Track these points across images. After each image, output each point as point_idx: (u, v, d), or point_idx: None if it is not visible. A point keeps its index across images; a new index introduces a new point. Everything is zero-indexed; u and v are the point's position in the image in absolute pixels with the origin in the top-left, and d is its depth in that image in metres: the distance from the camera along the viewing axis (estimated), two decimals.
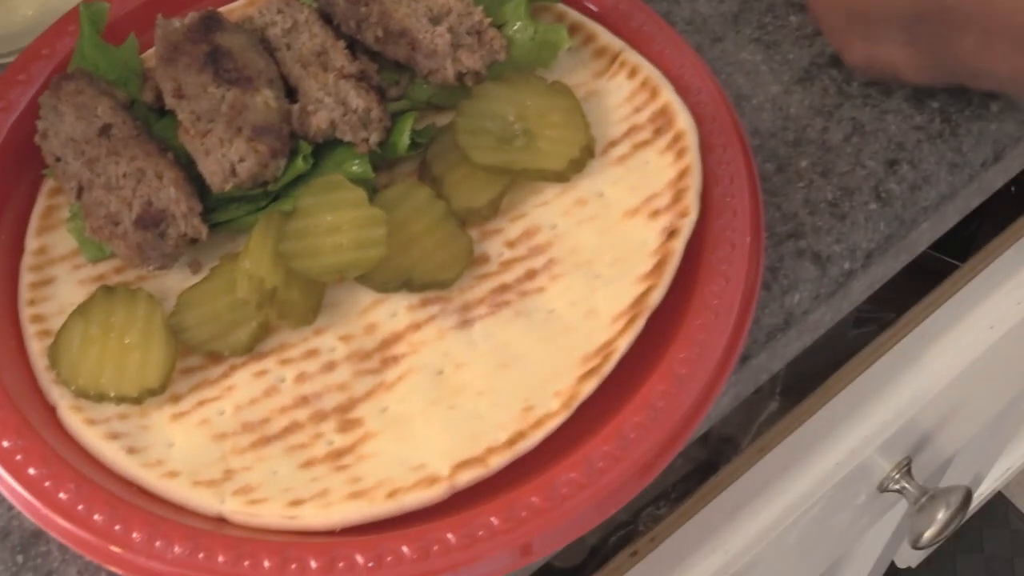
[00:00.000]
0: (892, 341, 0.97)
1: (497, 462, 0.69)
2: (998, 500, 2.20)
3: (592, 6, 0.87)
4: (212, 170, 0.76)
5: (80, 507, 0.68)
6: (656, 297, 0.74)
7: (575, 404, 0.71)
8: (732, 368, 0.73)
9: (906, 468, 1.10)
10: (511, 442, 0.70)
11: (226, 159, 0.75)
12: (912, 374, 0.97)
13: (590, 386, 0.71)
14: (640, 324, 0.73)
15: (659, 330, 0.74)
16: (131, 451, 0.71)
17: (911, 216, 0.84)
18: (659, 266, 0.75)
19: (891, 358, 0.97)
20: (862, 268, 0.82)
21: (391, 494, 0.69)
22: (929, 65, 0.82)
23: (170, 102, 0.79)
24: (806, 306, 0.80)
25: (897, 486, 1.11)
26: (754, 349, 0.79)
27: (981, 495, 1.97)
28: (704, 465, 1.09)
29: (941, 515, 1.10)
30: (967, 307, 1.01)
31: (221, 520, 0.69)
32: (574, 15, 0.86)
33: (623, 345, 0.72)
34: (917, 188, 0.84)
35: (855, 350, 1.02)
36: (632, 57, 0.83)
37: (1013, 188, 1.05)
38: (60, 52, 0.85)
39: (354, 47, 0.82)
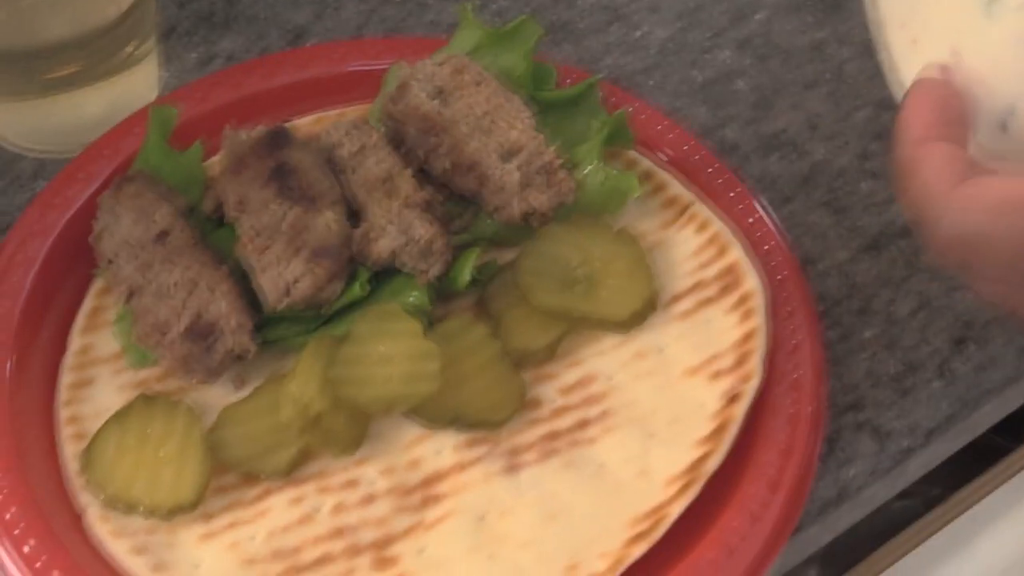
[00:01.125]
0: (942, 521, 0.95)
1: None
2: None
3: (664, 155, 0.86)
4: (267, 287, 0.75)
5: None
6: (713, 464, 0.72)
7: (620, 568, 0.69)
8: (785, 542, 0.71)
9: None
10: None
11: (282, 278, 0.74)
12: (963, 559, 0.94)
13: (638, 550, 0.69)
14: (695, 490, 0.71)
15: (710, 494, 0.72)
16: (157, 568, 0.69)
17: (974, 397, 0.82)
18: (718, 431, 0.73)
19: (940, 539, 0.95)
20: (921, 447, 0.80)
21: None
22: None
23: (231, 214, 0.78)
24: (861, 481, 0.78)
25: None
26: (806, 520, 0.76)
27: None
28: None
29: None
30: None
31: None
32: (646, 163, 0.85)
33: (675, 512, 0.70)
34: (982, 369, 0.83)
35: (897, 521, 0.99)
36: (702, 211, 0.82)
37: None
38: (123, 152, 0.85)
39: (421, 176, 0.81)
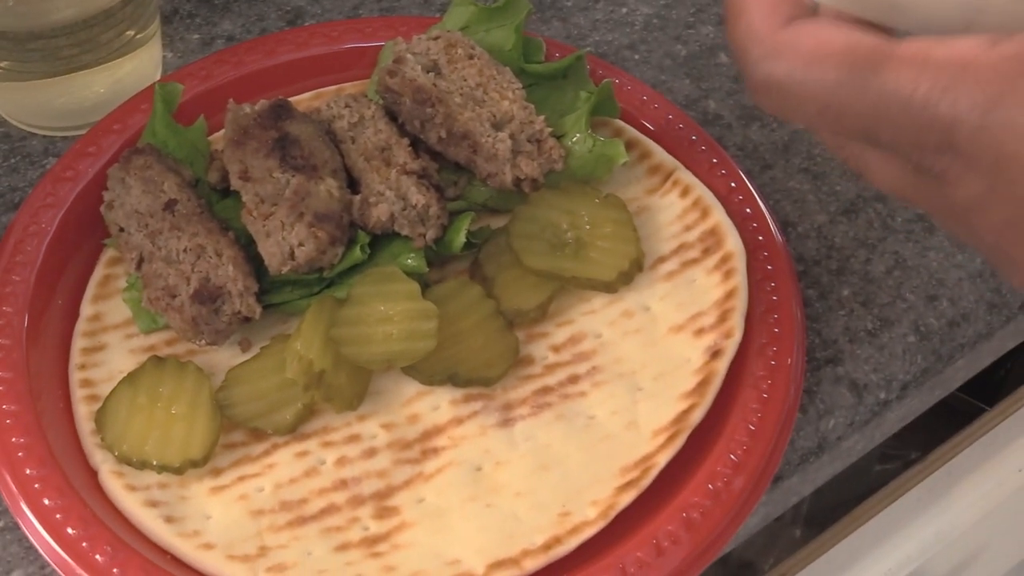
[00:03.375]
0: (919, 477, 0.98)
1: (532, 565, 0.70)
2: None
3: (649, 124, 0.89)
4: (271, 252, 0.77)
5: (115, 570, 0.68)
6: (698, 416, 0.75)
7: (612, 514, 0.72)
8: (767, 486, 0.74)
9: None
10: (547, 547, 0.71)
11: (286, 242, 0.77)
12: (937, 511, 0.98)
13: (627, 498, 0.72)
14: (680, 441, 0.74)
15: (696, 442, 0.75)
16: (169, 520, 0.72)
17: (948, 352, 0.85)
18: (702, 385, 0.76)
19: (917, 493, 0.98)
20: (897, 399, 0.83)
21: None
22: None
23: (236, 183, 0.81)
24: (840, 432, 0.81)
25: None
26: (787, 471, 0.80)
27: None
28: None
29: None
30: (995, 449, 1.02)
31: None
32: (631, 131, 0.88)
33: (662, 460, 0.74)
34: (955, 325, 0.86)
35: (880, 485, 1.03)
36: (685, 176, 0.85)
37: None
38: (131, 128, 0.88)
39: (416, 145, 0.84)
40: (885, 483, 1.03)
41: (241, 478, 0.74)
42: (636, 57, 1.01)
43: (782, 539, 1.07)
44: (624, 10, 1.05)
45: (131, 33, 0.92)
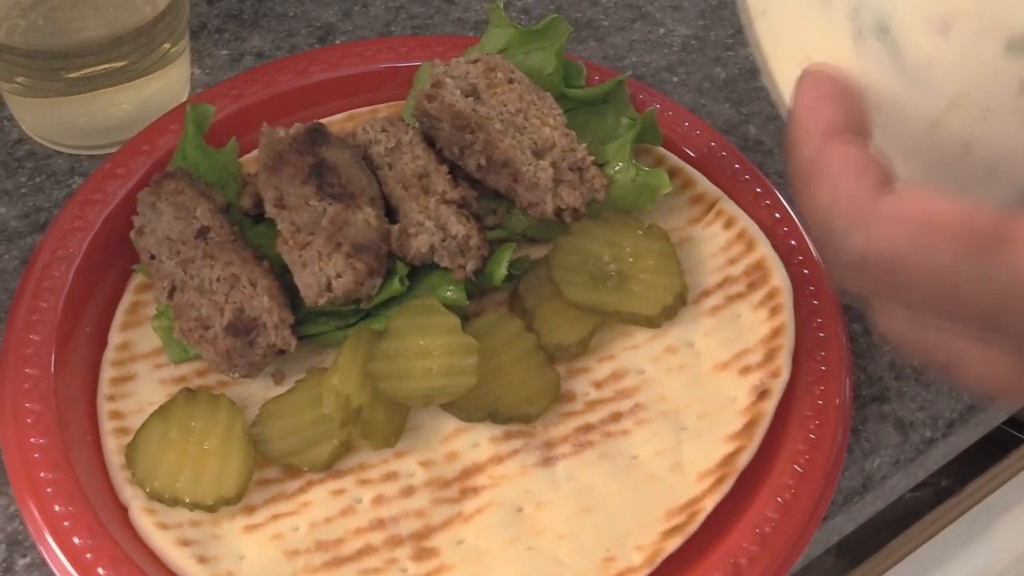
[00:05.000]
0: (958, 510, 0.96)
1: None
2: None
3: (691, 152, 0.87)
4: (308, 283, 0.76)
5: None
6: (745, 459, 0.73)
7: (658, 561, 0.70)
8: (815, 529, 0.72)
9: None
10: None
11: (323, 273, 0.75)
12: (979, 547, 0.96)
13: (673, 544, 0.71)
14: (728, 485, 0.72)
15: (741, 483, 0.73)
16: (202, 560, 0.70)
17: None
18: (749, 426, 0.74)
19: (957, 528, 0.96)
20: (942, 437, 0.82)
21: None
22: None
23: (271, 211, 0.79)
24: (885, 471, 0.80)
25: None
26: (831, 511, 0.78)
27: None
28: None
29: None
30: None
31: None
32: (673, 160, 0.86)
33: (709, 505, 0.72)
34: None
35: (907, 511, 1.01)
36: (729, 207, 0.84)
37: None
38: (160, 149, 0.86)
39: (455, 172, 0.82)
40: (916, 510, 1.01)
41: (275, 516, 0.73)
42: (675, 80, 0.99)
43: (814, 569, 1.06)
44: (662, 31, 1.03)
45: (164, 48, 0.90)
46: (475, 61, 0.84)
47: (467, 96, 0.82)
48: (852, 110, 0.51)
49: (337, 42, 1.01)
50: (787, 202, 0.84)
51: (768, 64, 0.59)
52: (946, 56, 0.49)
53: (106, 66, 0.87)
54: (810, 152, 0.50)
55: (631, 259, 0.80)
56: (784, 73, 0.57)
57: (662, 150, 0.87)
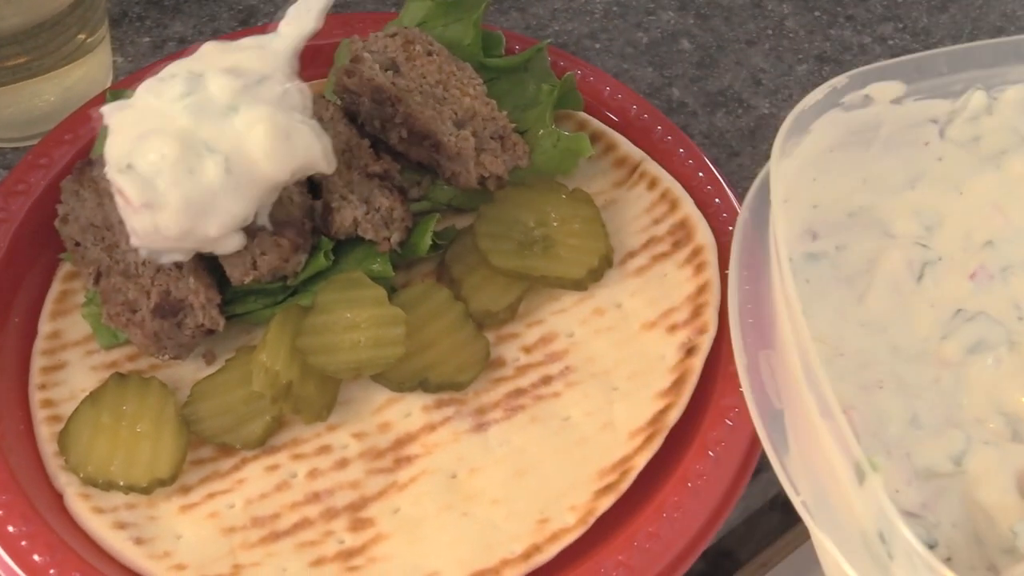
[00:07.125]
0: None
1: (512, 574, 0.69)
2: None
3: (613, 115, 0.88)
4: (233, 262, 0.76)
5: None
6: (675, 415, 0.74)
7: (591, 520, 0.71)
8: (747, 480, 0.73)
9: None
10: (526, 555, 0.70)
11: (248, 251, 0.75)
12: None
13: (607, 502, 0.71)
14: (658, 442, 0.73)
15: (672, 438, 0.74)
16: (138, 542, 0.71)
17: None
18: (678, 383, 0.75)
19: None
20: None
21: None
22: None
23: None
24: None
25: None
26: (765, 462, 0.78)
27: None
28: None
29: None
30: None
31: None
32: (595, 124, 0.87)
33: (641, 463, 0.72)
34: None
35: None
36: (652, 168, 0.84)
37: None
38: (83, 138, 0.86)
39: (377, 146, 0.82)
40: None
41: (211, 495, 0.73)
42: (597, 46, 1.00)
43: (761, 526, 1.06)
44: None
45: (81, 37, 0.90)
46: (393, 35, 0.85)
47: (386, 70, 0.82)
48: None
49: (259, 24, 1.00)
50: (710, 161, 0.85)
51: None
52: None
53: (25, 58, 0.86)
54: None
55: (556, 224, 0.80)
56: None
57: (584, 115, 0.87)
